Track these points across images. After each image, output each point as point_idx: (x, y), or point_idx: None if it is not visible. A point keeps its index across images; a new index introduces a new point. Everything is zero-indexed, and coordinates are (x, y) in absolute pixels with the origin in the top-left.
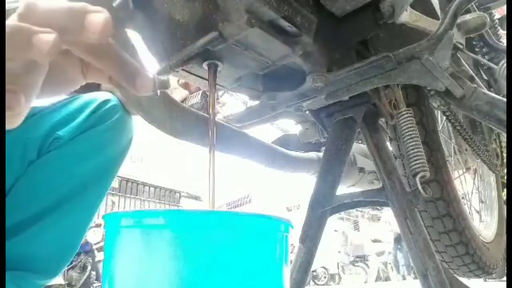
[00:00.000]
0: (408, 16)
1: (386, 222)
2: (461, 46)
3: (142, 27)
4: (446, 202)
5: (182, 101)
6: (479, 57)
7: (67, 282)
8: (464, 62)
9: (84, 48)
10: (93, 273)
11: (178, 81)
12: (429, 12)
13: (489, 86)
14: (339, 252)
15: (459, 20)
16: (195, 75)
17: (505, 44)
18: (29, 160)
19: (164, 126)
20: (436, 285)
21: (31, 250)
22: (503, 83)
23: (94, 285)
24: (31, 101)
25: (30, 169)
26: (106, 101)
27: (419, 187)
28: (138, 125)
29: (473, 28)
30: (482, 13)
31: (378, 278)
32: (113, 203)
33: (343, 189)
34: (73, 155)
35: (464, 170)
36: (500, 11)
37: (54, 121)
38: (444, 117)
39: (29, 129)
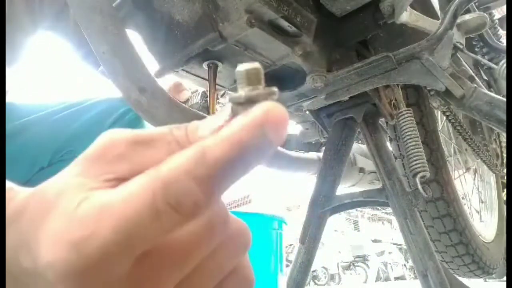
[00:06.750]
0: (408, 16)
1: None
2: (461, 46)
3: (142, 27)
4: (446, 202)
5: (185, 102)
6: (479, 57)
7: None
8: (464, 62)
9: None
10: None
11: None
12: (429, 12)
13: (489, 86)
14: (339, 252)
15: (459, 20)
16: (195, 75)
17: (505, 44)
18: (40, 166)
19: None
20: (436, 285)
21: None
22: (503, 83)
23: None
24: None
25: (38, 175)
26: (126, 112)
27: (419, 187)
28: None
29: (473, 28)
30: (482, 13)
31: (378, 278)
32: None
33: (343, 189)
34: None
35: (464, 170)
36: (500, 11)
37: (70, 132)
38: (444, 117)
39: (44, 136)
